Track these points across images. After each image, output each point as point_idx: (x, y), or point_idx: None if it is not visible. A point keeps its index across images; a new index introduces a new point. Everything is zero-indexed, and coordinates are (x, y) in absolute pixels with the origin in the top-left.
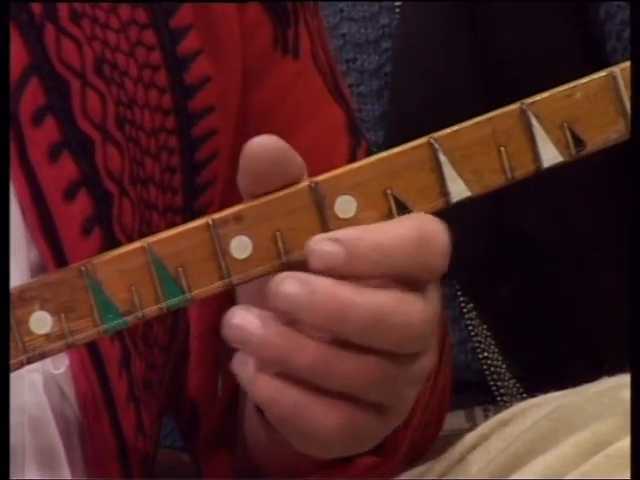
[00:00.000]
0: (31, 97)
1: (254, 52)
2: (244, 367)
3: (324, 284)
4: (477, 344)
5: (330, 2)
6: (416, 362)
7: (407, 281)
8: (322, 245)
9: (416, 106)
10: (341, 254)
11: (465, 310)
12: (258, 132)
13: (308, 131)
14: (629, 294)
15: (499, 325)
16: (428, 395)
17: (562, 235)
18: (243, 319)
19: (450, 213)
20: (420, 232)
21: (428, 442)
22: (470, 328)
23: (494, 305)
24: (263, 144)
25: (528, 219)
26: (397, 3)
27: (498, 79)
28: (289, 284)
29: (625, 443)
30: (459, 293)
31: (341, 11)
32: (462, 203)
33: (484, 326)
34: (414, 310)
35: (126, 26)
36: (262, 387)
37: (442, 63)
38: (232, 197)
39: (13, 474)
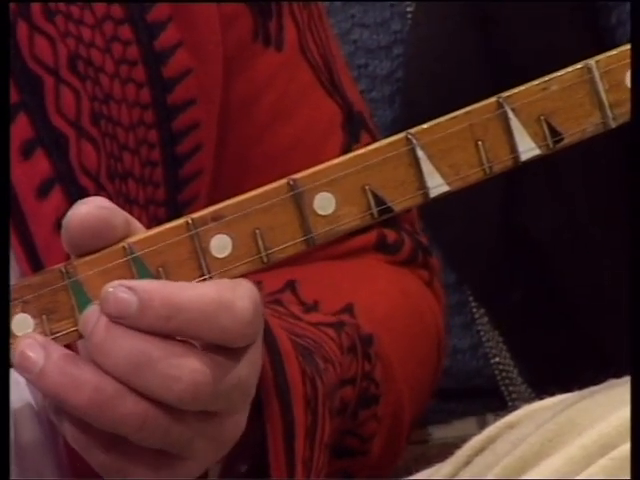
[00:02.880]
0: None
1: (233, 42)
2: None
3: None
4: (489, 349)
5: (342, 8)
6: (207, 421)
7: (210, 344)
8: (117, 291)
9: (428, 112)
10: (134, 304)
11: (476, 316)
12: (240, 123)
13: (295, 122)
14: (629, 295)
15: (510, 330)
16: (304, 449)
17: (571, 239)
18: (28, 346)
19: (460, 222)
20: (219, 296)
21: (369, 470)
22: (482, 334)
23: (505, 311)
24: (82, 217)
25: (536, 224)
26: (409, 9)
27: (509, 84)
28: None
29: (630, 446)
30: (470, 299)
31: (353, 17)
32: (455, 201)
33: (495, 332)
34: (191, 367)
35: (101, 22)
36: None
37: (454, 68)
38: (219, 188)
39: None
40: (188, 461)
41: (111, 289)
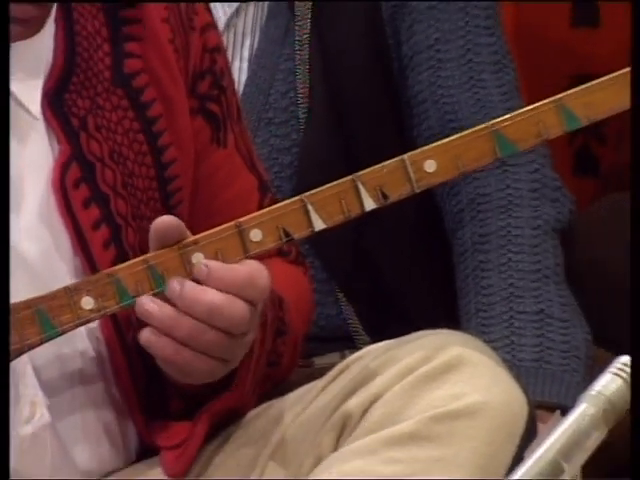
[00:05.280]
0: (73, 173)
1: (199, 144)
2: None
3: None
4: (346, 316)
5: (265, 127)
6: (243, 338)
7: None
8: (199, 265)
9: (313, 185)
10: (205, 272)
11: (339, 297)
12: (203, 189)
13: (232, 190)
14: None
15: (359, 305)
16: (259, 352)
17: (393, 248)
18: (147, 304)
19: (330, 244)
20: (250, 274)
21: (280, 376)
22: (343, 307)
23: (356, 295)
24: (165, 222)
25: (375, 241)
26: (302, 127)
27: (362, 163)
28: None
29: (425, 369)
30: (336, 288)
31: (270, 131)
32: (327, 232)
33: (350, 306)
34: (240, 311)
35: (127, 131)
36: (157, 346)
37: (327, 161)
38: (193, 226)
39: (72, 390)
40: (231, 362)
41: (198, 264)
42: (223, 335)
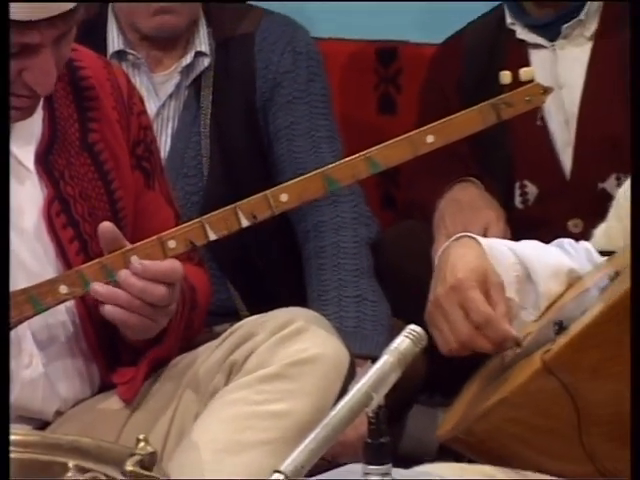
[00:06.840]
0: (55, 207)
1: (137, 188)
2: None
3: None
4: (234, 299)
5: (181, 178)
6: (166, 309)
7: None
8: (136, 263)
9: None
10: (140, 268)
11: (229, 286)
12: (140, 218)
13: (158, 218)
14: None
15: (243, 292)
16: (179, 319)
17: (265, 255)
18: (96, 285)
19: (221, 248)
20: (171, 268)
21: (192, 336)
22: (231, 293)
23: (240, 284)
24: (109, 227)
25: (253, 249)
26: (206, 178)
27: (242, 198)
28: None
29: (284, 332)
30: (227, 280)
31: (185, 180)
32: (219, 242)
33: (237, 293)
34: (161, 291)
35: (90, 180)
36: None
37: (220, 200)
38: (132, 238)
39: (56, 346)
40: (160, 323)
41: (134, 262)
42: (152, 306)
